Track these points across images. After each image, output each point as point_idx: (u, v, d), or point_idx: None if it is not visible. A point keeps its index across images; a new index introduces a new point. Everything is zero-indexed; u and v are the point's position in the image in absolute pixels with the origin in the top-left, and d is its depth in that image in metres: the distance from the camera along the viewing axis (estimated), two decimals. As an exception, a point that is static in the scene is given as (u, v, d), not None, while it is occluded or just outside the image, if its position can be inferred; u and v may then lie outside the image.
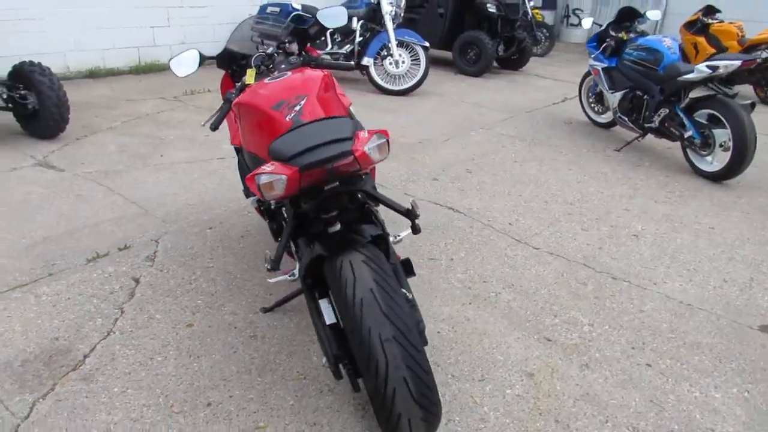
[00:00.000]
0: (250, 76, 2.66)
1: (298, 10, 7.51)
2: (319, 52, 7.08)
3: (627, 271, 3.20)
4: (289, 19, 7.39)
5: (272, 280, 2.19)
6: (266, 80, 2.41)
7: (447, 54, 8.92)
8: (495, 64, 8.97)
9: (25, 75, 4.37)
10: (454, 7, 8.52)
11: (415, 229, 2.12)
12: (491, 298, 2.86)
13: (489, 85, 7.95)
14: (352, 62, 2.64)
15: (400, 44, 6.91)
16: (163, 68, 7.33)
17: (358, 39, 7.03)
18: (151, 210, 3.58)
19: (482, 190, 4.21)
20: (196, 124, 5.28)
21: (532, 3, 9.61)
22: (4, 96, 4.41)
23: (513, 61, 9.00)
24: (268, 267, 1.92)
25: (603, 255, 3.36)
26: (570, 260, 3.27)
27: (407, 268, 2.27)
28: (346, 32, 7.17)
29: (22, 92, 4.38)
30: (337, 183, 1.71)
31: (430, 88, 7.38)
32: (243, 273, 2.91)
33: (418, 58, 6.95)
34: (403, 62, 6.91)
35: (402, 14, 7.07)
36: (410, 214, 2.05)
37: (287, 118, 2.17)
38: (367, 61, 6.93)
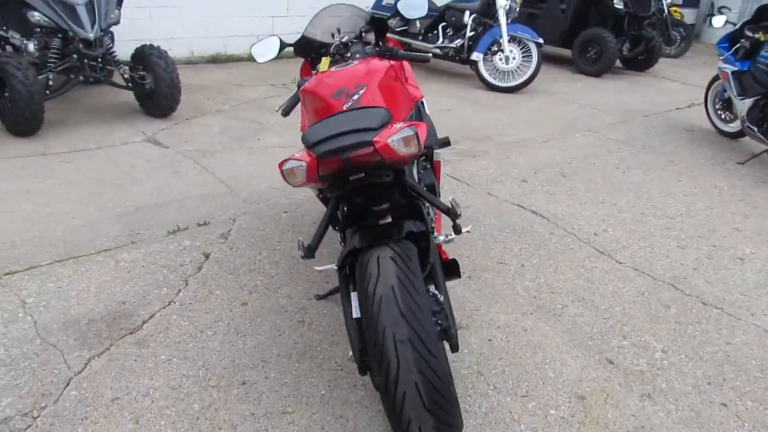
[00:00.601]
0: (324, 64, 2.67)
1: (412, 2, 7.51)
2: (427, 45, 7.05)
3: (722, 297, 2.86)
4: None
5: (319, 269, 2.18)
6: (333, 68, 2.40)
7: (567, 52, 8.50)
8: (619, 64, 8.42)
9: (144, 57, 4.72)
10: (577, 2, 8.09)
11: (456, 230, 2.02)
12: (556, 311, 2.68)
13: (607, 86, 7.47)
14: (429, 53, 2.56)
15: (513, 40, 6.67)
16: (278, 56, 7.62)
17: (469, 33, 6.88)
18: (236, 190, 3.73)
19: (573, 196, 3.95)
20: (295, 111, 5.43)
21: (670, 0, 8.90)
22: (125, 76, 4.80)
23: (639, 61, 8.39)
24: (302, 254, 1.91)
25: (697, 277, 3.03)
26: (656, 279, 2.98)
27: (451, 269, 2.17)
28: (458, 26, 7.05)
29: (141, 73, 4.74)
30: (363, 174, 1.66)
31: (541, 86, 7.07)
32: (306, 258, 2.96)
33: (530, 55, 6.67)
34: (514, 58, 6.67)
35: (517, 9, 6.82)
36: (450, 212, 1.95)
37: (344, 107, 2.15)
38: (476, 56, 6.77)
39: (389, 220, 2.09)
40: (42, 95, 4.15)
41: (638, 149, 5.01)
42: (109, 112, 5.09)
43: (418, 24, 7.44)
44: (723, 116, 5.48)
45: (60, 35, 4.44)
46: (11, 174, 3.73)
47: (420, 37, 7.44)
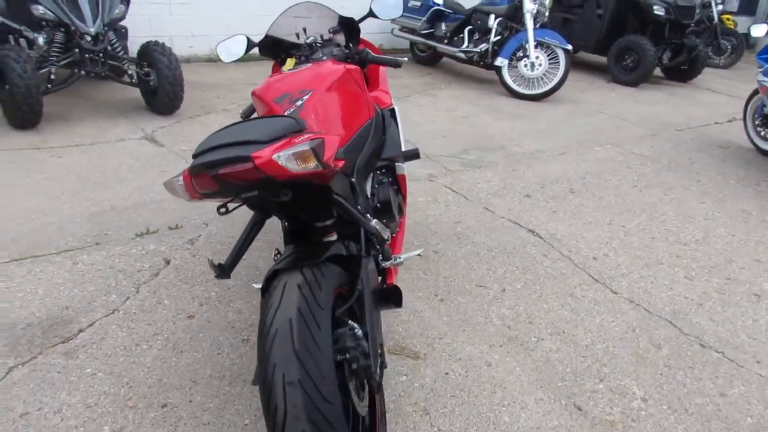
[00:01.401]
0: (287, 66, 2.51)
1: (439, 5, 7.30)
2: (451, 48, 6.81)
3: (725, 339, 2.54)
4: (428, 14, 7.18)
5: (257, 286, 2.01)
6: (286, 70, 2.23)
7: (603, 59, 8.10)
8: (659, 73, 7.98)
9: (149, 54, 4.66)
10: (615, 7, 7.69)
11: (385, 256, 1.81)
12: (529, 344, 2.43)
13: (642, 96, 7.06)
14: (400, 59, 2.35)
15: (540, 45, 6.37)
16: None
17: (493, 38, 6.61)
18: (220, 193, 3.60)
19: (578, 215, 3.66)
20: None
21: (721, 7, 8.39)
22: (130, 72, 4.75)
23: (681, 71, 7.93)
24: (215, 274, 1.74)
25: (700, 314, 2.72)
26: (652, 313, 2.69)
27: (392, 297, 1.97)
28: (484, 30, 6.79)
29: (146, 69, 4.69)
30: (255, 192, 1.47)
31: (569, 94, 6.73)
32: (270, 270, 2.79)
33: (558, 62, 6.35)
34: (540, 65, 6.36)
35: (546, 14, 6.51)
36: (375, 236, 1.74)
37: (286, 113, 1.98)
38: (500, 61, 6.49)
39: (334, 238, 1.91)
40: (40, 89, 4.12)
41: (662, 166, 4.65)
42: (114, 107, 5.06)
43: (443, 27, 7.21)
44: (762, 133, 5.06)
45: (63, 29, 4.42)
46: (1, 167, 3.71)
47: (445, 41, 7.21)
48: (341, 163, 1.65)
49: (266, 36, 2.56)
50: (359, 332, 1.62)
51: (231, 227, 3.17)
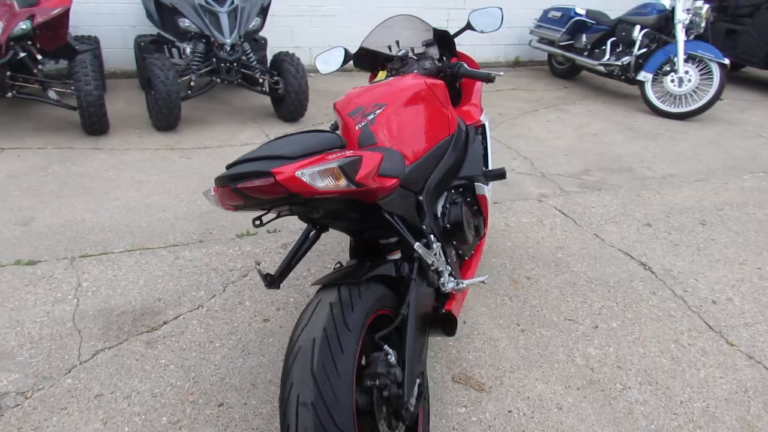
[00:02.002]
0: (378, 78, 2.50)
1: (581, 15, 6.93)
2: (591, 61, 6.42)
3: None
4: (568, 24, 6.87)
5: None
6: (369, 84, 2.21)
7: (772, 75, 7.20)
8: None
9: (279, 63, 4.92)
10: (791, 17, 6.78)
11: (447, 280, 1.72)
12: (612, 391, 2.18)
13: (817, 119, 6.15)
14: (492, 74, 2.22)
15: (690, 59, 5.79)
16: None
17: (637, 51, 6.12)
18: (323, 200, 3.69)
19: (704, 250, 3.25)
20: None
21: None
22: (261, 80, 5.05)
23: None
24: (265, 284, 1.75)
25: (839, 382, 2.28)
26: (775, 374, 2.30)
27: (444, 325, 1.87)
28: (628, 42, 6.32)
29: (276, 78, 4.95)
30: (288, 207, 1.44)
31: (723, 114, 6.04)
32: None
33: (711, 77, 5.73)
34: (689, 80, 5.78)
35: (702, 24, 5.90)
36: (419, 258, 1.65)
37: (357, 127, 1.97)
38: (643, 76, 6.00)
39: (397, 256, 1.86)
40: (179, 95, 4.52)
41: (825, 201, 4.00)
42: (246, 113, 5.40)
43: (584, 38, 6.83)
44: None
45: (204, 41, 4.80)
46: (138, 164, 4.11)
47: (585, 53, 6.82)
48: (391, 182, 1.59)
49: (360, 48, 2.57)
50: (392, 359, 1.55)
51: (329, 235, 3.23)
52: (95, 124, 4.44)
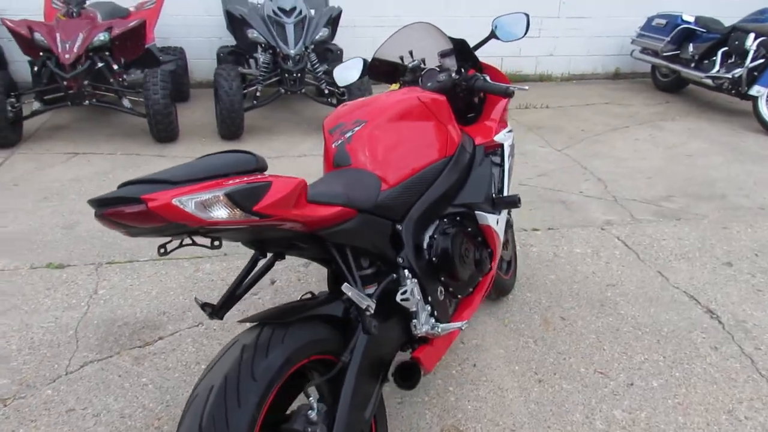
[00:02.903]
0: (390, 90, 2.29)
1: (689, 23, 6.27)
2: (697, 73, 5.77)
3: None
4: (674, 33, 6.25)
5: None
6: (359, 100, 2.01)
7: None
8: None
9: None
10: None
11: (366, 327, 1.48)
12: (629, 469, 1.82)
13: None
14: (511, 88, 1.95)
15: (815, 71, 5.01)
16: (523, 79, 7.16)
17: (751, 62, 5.40)
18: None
19: (793, 300, 2.72)
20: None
21: None
22: (326, 91, 4.99)
23: None
24: (206, 313, 1.60)
25: None
26: None
27: (402, 374, 1.63)
28: (742, 52, 5.60)
29: (342, 89, 4.86)
30: (186, 236, 1.27)
31: None
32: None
33: (841, 93, 4.92)
34: (812, 96, 5.00)
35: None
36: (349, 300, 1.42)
37: (333, 145, 1.80)
38: (757, 90, 5.28)
39: (371, 290, 1.66)
40: (242, 105, 4.56)
41: None
42: (314, 124, 5.36)
43: (691, 48, 6.15)
44: None
45: (270, 51, 4.82)
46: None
47: (692, 65, 6.14)
48: (329, 211, 1.39)
49: (373, 58, 2.38)
50: (313, 415, 1.34)
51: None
52: (162, 131, 4.58)
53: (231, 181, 1.18)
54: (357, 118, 1.82)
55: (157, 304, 2.63)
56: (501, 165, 2.18)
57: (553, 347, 2.37)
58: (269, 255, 1.62)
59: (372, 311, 1.44)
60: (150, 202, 1.09)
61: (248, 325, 1.44)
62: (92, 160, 4.34)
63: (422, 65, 2.24)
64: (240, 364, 1.27)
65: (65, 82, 4.38)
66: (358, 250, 1.62)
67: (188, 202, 1.11)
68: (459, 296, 1.94)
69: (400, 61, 2.31)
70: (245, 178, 1.20)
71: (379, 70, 2.40)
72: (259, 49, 5.06)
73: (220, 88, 4.50)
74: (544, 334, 2.45)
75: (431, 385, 2.15)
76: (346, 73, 2.49)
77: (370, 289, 1.69)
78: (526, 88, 2.22)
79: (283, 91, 4.84)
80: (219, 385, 1.24)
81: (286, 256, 1.71)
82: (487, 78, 2.24)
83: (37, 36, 4.36)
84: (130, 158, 4.39)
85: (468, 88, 2.18)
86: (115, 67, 4.68)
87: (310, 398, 1.37)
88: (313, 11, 4.92)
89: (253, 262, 1.60)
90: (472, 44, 2.32)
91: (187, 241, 1.30)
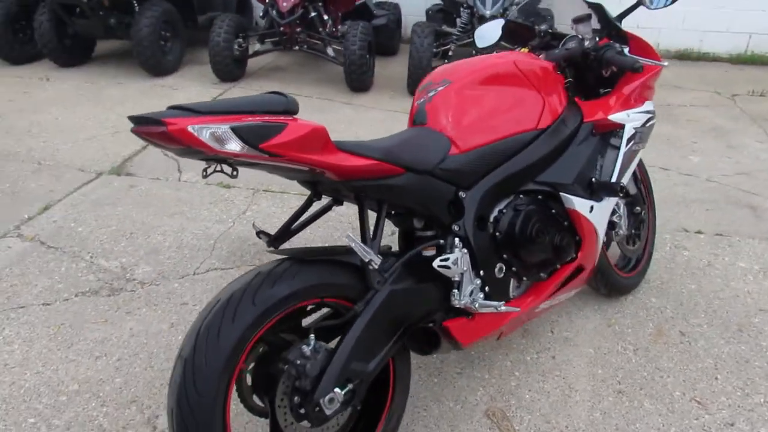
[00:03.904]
0: (520, 55, 2.19)
1: None
2: None
3: None
4: None
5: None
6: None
7: None
8: None
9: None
10: None
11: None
12: None
13: None
14: (640, 62, 1.65)
15: None
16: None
17: None
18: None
19: None
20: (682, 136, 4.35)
21: None
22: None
23: None
24: (264, 241, 1.74)
25: None
26: None
27: (420, 338, 1.62)
28: None
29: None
30: (218, 163, 1.37)
31: None
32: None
33: None
34: None
35: None
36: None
37: (416, 102, 1.83)
38: None
39: (432, 253, 1.70)
40: (430, 62, 4.63)
41: None
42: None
43: None
44: None
45: (469, 11, 4.78)
46: (372, 122, 4.40)
47: None
48: (359, 162, 1.42)
49: (507, 20, 2.26)
50: (307, 350, 1.43)
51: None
52: (355, 81, 4.89)
53: (250, 118, 1.28)
54: (444, 78, 1.78)
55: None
56: (618, 148, 1.95)
57: (653, 361, 2.11)
58: (326, 199, 1.71)
59: (375, 266, 1.45)
60: (169, 126, 1.24)
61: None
62: (291, 100, 4.82)
63: (550, 30, 2.08)
64: (247, 287, 1.40)
65: (281, 28, 4.90)
66: (404, 209, 1.63)
67: (202, 130, 1.24)
68: (527, 279, 1.83)
69: (531, 25, 2.17)
70: (266, 117, 1.30)
71: (515, 33, 2.28)
72: (462, 9, 5.05)
73: (412, 44, 4.63)
74: (650, 345, 2.18)
75: (498, 365, 2.08)
76: (487, 35, 2.41)
77: (430, 252, 1.69)
78: (665, 63, 1.93)
79: (474, 52, 4.79)
80: (223, 301, 1.38)
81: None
82: (625, 50, 2.00)
83: (264, -16, 4.93)
84: (322, 102, 4.79)
85: (596, 58, 1.97)
86: (326, 17, 5.07)
87: (311, 336, 1.45)
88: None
89: (308, 202, 1.70)
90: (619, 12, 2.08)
91: (218, 168, 1.43)
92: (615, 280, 2.30)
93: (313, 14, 4.98)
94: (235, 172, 1.39)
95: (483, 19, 4.61)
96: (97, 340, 2.20)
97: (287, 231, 1.72)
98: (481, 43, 2.42)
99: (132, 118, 1.30)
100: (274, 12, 4.90)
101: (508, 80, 1.76)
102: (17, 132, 4.09)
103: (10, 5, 5.37)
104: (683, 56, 6.30)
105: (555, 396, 1.96)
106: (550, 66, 1.84)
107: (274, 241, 1.72)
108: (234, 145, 1.25)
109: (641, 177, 2.46)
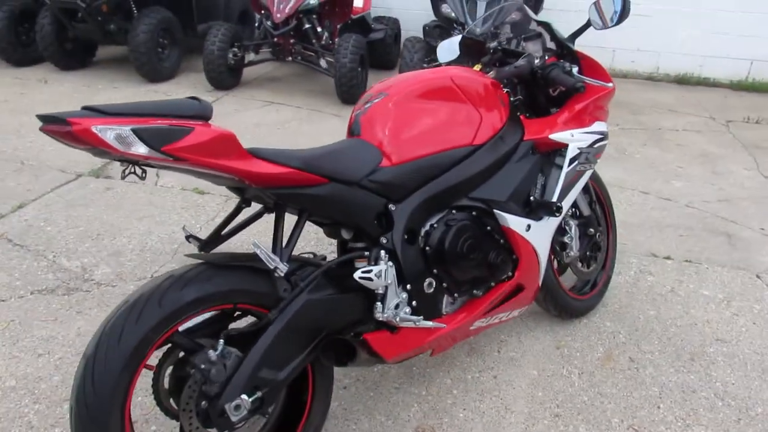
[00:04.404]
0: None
1: None
2: None
3: None
4: None
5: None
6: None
7: None
8: None
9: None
10: None
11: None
12: None
13: None
14: (580, 83, 1.63)
15: None
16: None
17: None
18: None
19: None
20: (669, 159, 4.30)
21: None
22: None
23: None
24: (195, 245, 1.75)
25: None
26: None
27: (334, 348, 1.61)
28: None
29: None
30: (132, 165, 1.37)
31: None
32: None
33: None
34: None
35: None
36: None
37: (353, 114, 1.82)
38: None
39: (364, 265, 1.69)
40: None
41: None
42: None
43: None
44: None
45: (461, 27, 4.79)
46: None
47: None
48: (268, 169, 1.42)
49: (463, 36, 2.26)
50: (213, 355, 1.42)
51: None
52: (345, 93, 4.92)
53: (158, 121, 1.29)
54: (382, 90, 1.79)
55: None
56: (561, 167, 1.93)
57: (597, 386, 2.07)
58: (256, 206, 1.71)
59: (281, 274, 1.45)
60: (74, 126, 1.25)
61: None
62: (281, 110, 4.87)
63: (500, 47, 2.08)
64: (156, 289, 1.40)
65: (275, 39, 4.95)
66: (329, 219, 1.63)
67: (106, 131, 1.25)
68: (458, 295, 1.81)
69: (484, 41, 2.17)
70: (173, 121, 1.30)
71: (471, 49, 2.28)
72: (455, 25, 5.07)
73: (401, 58, 4.66)
74: (596, 369, 2.15)
75: (437, 382, 2.06)
76: (449, 50, 2.42)
77: (362, 263, 1.67)
78: (610, 85, 1.92)
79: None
80: (131, 302, 1.38)
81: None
82: (575, 69, 1.99)
83: (260, -4, 4.99)
84: (311, 113, 4.82)
85: (543, 77, 1.96)
86: (320, 30, 5.12)
87: (220, 340, 1.45)
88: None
89: (238, 209, 1.70)
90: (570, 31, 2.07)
91: (132, 170, 1.43)
92: (565, 302, 2.27)
93: (307, 26, 5.03)
94: (144, 174, 1.39)
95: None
96: (44, 337, 2.21)
97: (218, 236, 1.73)
98: (443, 57, 2.42)
99: (40, 117, 1.31)
100: (268, 23, 4.96)
101: (443, 95, 1.76)
102: (5, 131, 4.16)
103: (13, 8, 5.49)
104: (682, 80, 6.26)
105: (489, 416, 1.93)
106: (491, 82, 1.84)
107: (205, 246, 1.73)
108: (139, 148, 1.26)
109: (600, 198, 2.44)
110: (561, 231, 2.19)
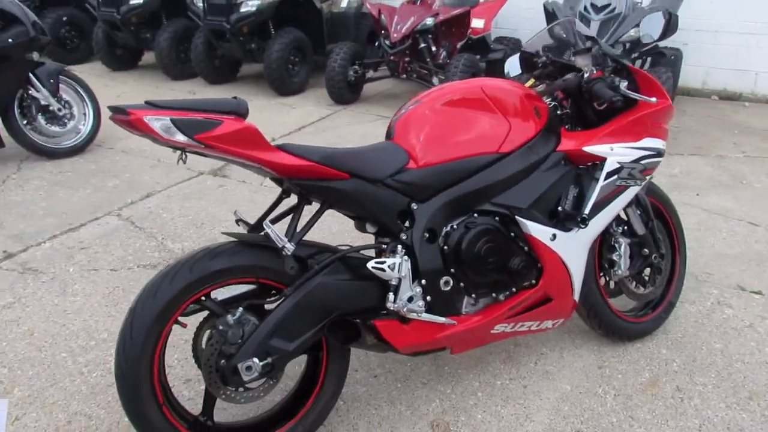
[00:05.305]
0: (528, 86, 2.26)
1: None
2: None
3: None
4: None
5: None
6: None
7: None
8: None
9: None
10: None
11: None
12: None
13: None
14: (617, 96, 1.55)
15: None
16: None
17: None
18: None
19: None
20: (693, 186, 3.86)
21: None
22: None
23: None
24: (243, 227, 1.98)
25: None
26: None
27: (341, 330, 1.74)
28: None
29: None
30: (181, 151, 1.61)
31: None
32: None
33: None
34: None
35: None
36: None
37: (391, 120, 1.99)
38: None
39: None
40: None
41: None
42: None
43: None
44: None
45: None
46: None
47: None
48: (290, 161, 1.60)
49: (521, 51, 2.32)
50: (231, 319, 1.64)
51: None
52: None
53: (196, 114, 1.55)
54: (417, 99, 1.92)
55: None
56: (593, 181, 1.92)
57: (630, 410, 2.00)
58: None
59: (288, 253, 1.62)
60: (131, 116, 1.54)
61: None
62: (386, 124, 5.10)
63: (549, 61, 2.11)
64: (191, 258, 1.64)
65: (391, 57, 5.23)
66: (352, 212, 1.78)
67: (153, 121, 1.53)
68: (476, 297, 1.87)
69: (536, 57, 2.21)
70: (210, 115, 1.55)
71: (528, 63, 2.33)
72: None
73: (506, 75, 4.68)
74: (635, 393, 2.07)
75: (465, 383, 2.11)
76: (514, 64, 2.49)
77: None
78: (653, 100, 1.87)
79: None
80: (170, 267, 1.64)
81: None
82: (623, 84, 1.97)
83: (382, 17, 5.30)
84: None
85: (587, 90, 1.97)
86: (434, 49, 5.31)
87: (239, 309, 1.66)
88: (629, 8, 4.58)
89: (279, 198, 1.92)
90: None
91: (182, 156, 1.70)
92: (612, 322, 2.20)
93: (422, 45, 5.24)
94: (184, 156, 1.63)
95: (584, 56, 4.53)
96: (137, 303, 2.59)
97: (260, 222, 1.95)
98: (511, 72, 2.50)
99: (110, 108, 1.62)
100: (386, 42, 5.25)
101: (472, 104, 1.84)
102: (152, 133, 4.84)
103: (176, 30, 6.34)
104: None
105: (507, 422, 1.95)
106: (525, 94, 1.89)
107: (252, 229, 1.96)
108: (179, 136, 1.52)
109: (666, 221, 2.34)
110: (610, 248, 2.16)
